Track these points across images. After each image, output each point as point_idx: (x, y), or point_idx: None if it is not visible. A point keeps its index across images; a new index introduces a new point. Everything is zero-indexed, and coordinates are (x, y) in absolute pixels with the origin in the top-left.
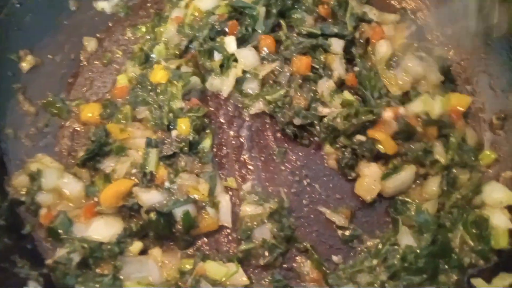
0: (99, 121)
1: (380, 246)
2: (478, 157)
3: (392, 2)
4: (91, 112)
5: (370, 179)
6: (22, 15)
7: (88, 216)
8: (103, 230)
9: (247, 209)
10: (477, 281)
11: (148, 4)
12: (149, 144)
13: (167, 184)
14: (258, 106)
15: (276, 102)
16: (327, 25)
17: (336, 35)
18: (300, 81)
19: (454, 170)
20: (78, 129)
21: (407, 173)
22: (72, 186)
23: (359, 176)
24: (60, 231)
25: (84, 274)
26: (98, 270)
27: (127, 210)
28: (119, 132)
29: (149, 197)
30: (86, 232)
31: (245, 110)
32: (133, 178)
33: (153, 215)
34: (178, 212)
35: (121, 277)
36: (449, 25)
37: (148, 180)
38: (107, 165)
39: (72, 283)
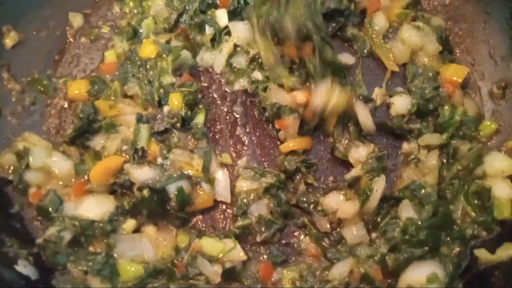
0: (86, 97)
1: (379, 219)
2: (479, 128)
3: None
4: (78, 88)
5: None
6: None
7: (79, 194)
8: (95, 208)
9: (243, 185)
10: (481, 252)
11: None
12: (140, 120)
13: (159, 160)
14: (242, 84)
15: (258, 83)
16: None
17: (333, 12)
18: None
19: (453, 142)
20: (66, 106)
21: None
22: (61, 164)
23: None
24: (50, 209)
25: (76, 253)
26: (90, 249)
27: (119, 187)
28: (108, 109)
29: (141, 173)
30: (77, 210)
31: (228, 85)
32: (124, 155)
33: (146, 192)
34: (172, 189)
35: (115, 255)
36: None
37: (140, 156)
38: (97, 142)
39: (63, 261)
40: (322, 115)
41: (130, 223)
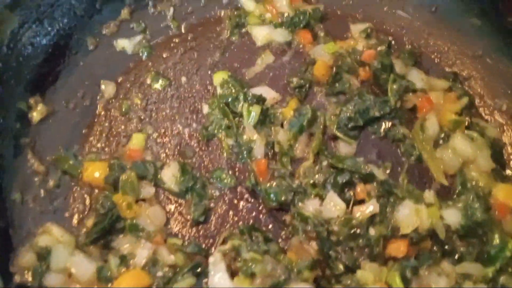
0: (102, 185)
1: None
2: None
3: (442, 64)
4: (94, 172)
5: None
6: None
7: None
8: None
9: None
10: None
11: (173, 44)
12: None
13: None
14: None
15: None
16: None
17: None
18: None
19: (502, 278)
20: (91, 190)
21: None
22: (83, 266)
23: None
24: None
25: None
26: None
27: None
28: (126, 208)
29: None
30: None
31: None
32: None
33: None
34: None
35: None
36: (505, 99)
37: None
38: (122, 244)
39: None
40: None
41: None
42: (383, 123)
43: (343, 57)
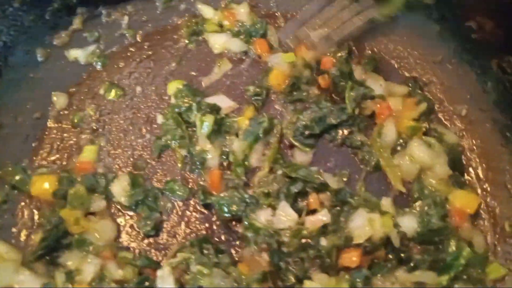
0: (51, 199)
1: None
2: (485, 270)
3: (402, 69)
4: (42, 186)
5: None
6: None
7: None
8: None
9: None
10: None
11: (128, 54)
12: None
13: None
14: None
15: None
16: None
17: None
18: None
19: (456, 286)
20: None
21: None
22: (28, 284)
23: None
24: None
25: None
26: None
27: None
28: (73, 223)
29: None
30: None
31: None
32: None
33: None
34: None
35: None
36: (464, 104)
37: None
38: (68, 260)
39: None
40: None
41: None
42: (340, 131)
43: (301, 68)
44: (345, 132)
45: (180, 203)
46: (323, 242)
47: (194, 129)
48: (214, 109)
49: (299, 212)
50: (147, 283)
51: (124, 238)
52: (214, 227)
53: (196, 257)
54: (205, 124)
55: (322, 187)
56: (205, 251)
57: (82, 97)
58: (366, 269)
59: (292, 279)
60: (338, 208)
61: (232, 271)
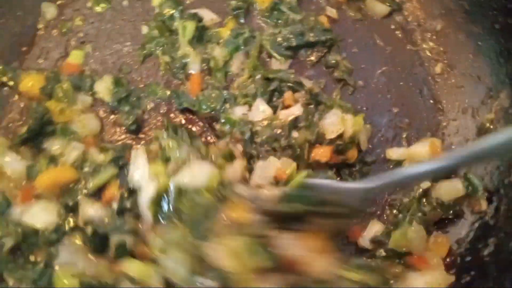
0: (38, 95)
1: None
2: None
3: None
4: (30, 83)
5: None
6: None
7: (26, 198)
8: (40, 215)
9: None
10: None
11: None
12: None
13: (114, 205)
14: None
15: None
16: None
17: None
18: None
19: None
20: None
21: None
22: (13, 164)
23: None
24: None
25: (16, 260)
26: (31, 257)
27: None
28: (58, 113)
29: (90, 210)
30: (23, 215)
31: None
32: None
33: (89, 229)
34: (114, 240)
35: (56, 267)
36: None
37: (95, 190)
38: (52, 145)
39: (0, 270)
40: None
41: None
42: (317, 50)
43: None
44: (322, 52)
45: (163, 104)
46: (295, 134)
47: (177, 37)
48: (196, 17)
49: (274, 109)
50: (121, 162)
51: (107, 134)
52: (197, 128)
53: (168, 133)
54: (187, 29)
55: (297, 86)
56: (179, 133)
57: (70, 9)
58: (334, 172)
59: None
60: (312, 106)
61: (203, 152)
